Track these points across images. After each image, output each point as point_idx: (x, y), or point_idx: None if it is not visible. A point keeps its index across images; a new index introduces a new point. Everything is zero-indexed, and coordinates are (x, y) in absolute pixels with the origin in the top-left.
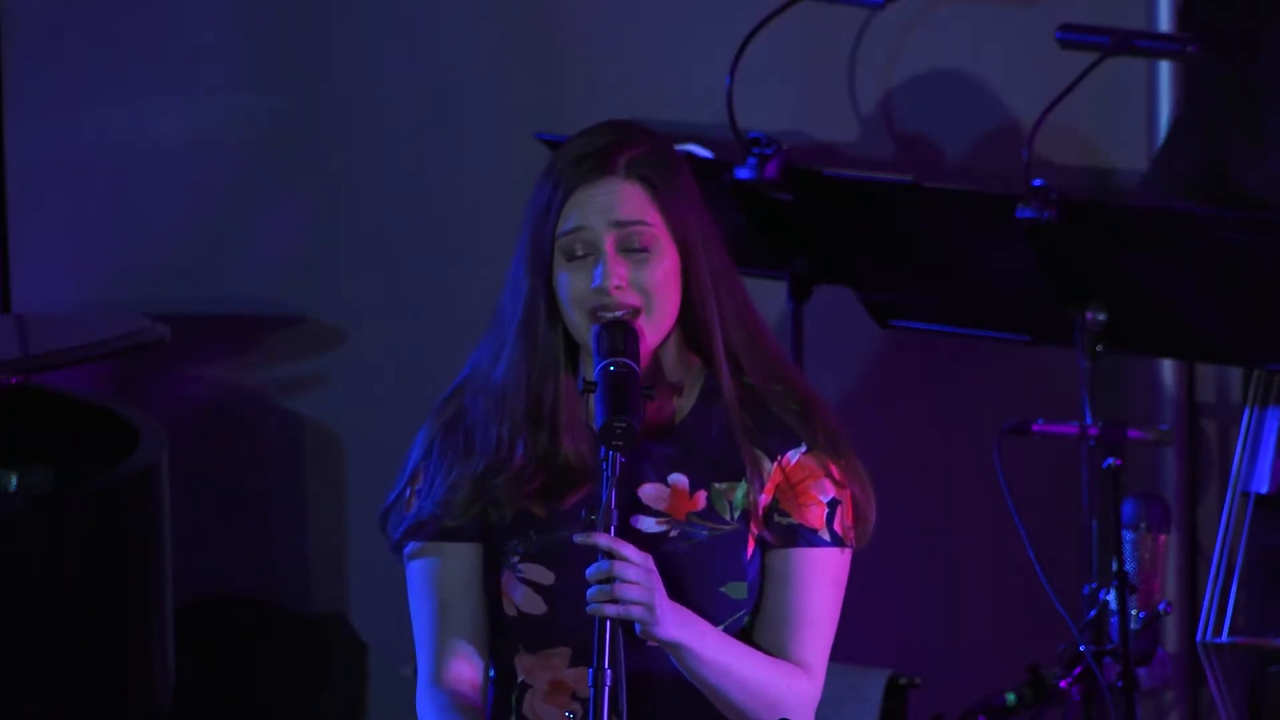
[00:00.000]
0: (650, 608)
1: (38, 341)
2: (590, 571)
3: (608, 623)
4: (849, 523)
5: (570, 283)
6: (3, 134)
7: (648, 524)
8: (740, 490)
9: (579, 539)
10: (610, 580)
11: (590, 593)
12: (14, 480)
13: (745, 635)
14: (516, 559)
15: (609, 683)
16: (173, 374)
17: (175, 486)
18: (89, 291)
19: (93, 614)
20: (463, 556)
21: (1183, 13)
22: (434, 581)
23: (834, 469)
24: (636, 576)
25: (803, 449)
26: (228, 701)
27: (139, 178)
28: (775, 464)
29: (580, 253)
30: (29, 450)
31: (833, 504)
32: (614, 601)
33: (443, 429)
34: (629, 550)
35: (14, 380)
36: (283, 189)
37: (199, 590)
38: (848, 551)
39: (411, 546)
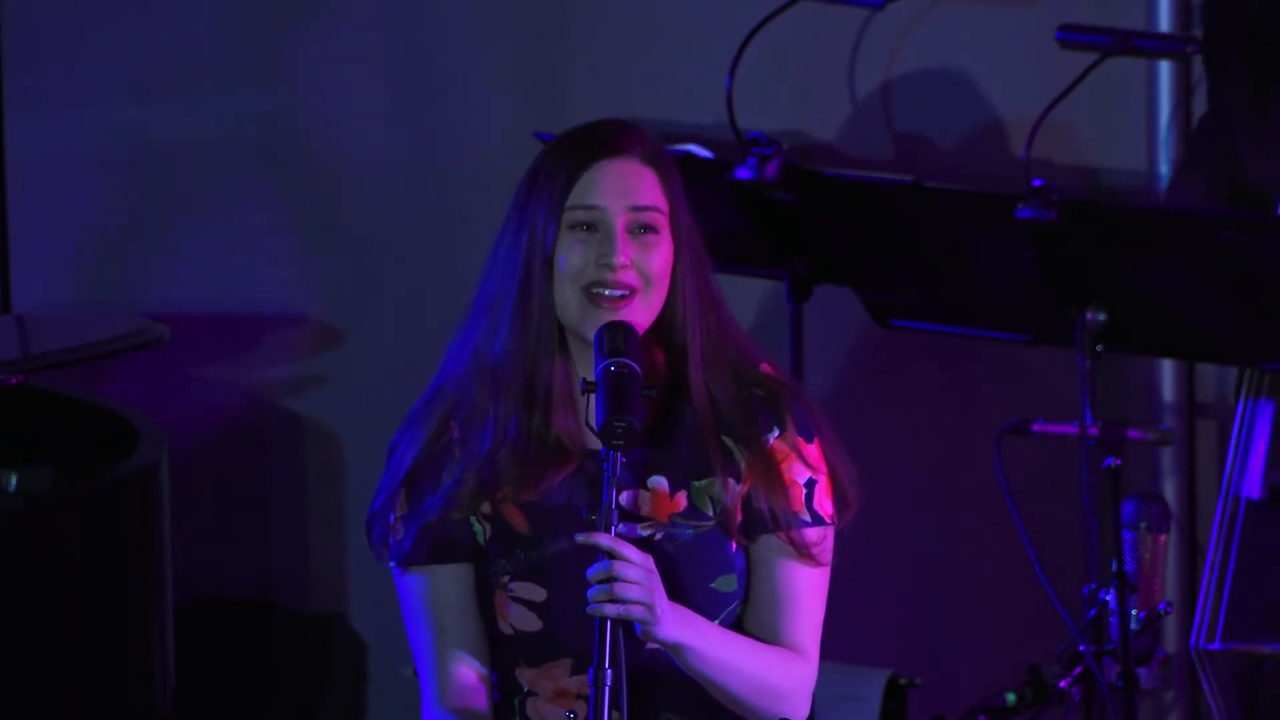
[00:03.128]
0: (650, 607)
1: (38, 341)
2: (591, 571)
3: (608, 622)
4: (828, 500)
5: (570, 256)
6: (3, 134)
7: (632, 529)
8: (717, 485)
9: (580, 539)
10: (611, 580)
11: (591, 592)
12: (14, 480)
13: (737, 624)
14: (506, 578)
15: (609, 682)
16: (173, 374)
17: (175, 486)
18: (89, 291)
19: (92, 614)
20: (454, 578)
21: (1192, 10)
22: (429, 603)
23: (806, 450)
24: (637, 576)
25: (774, 434)
26: (228, 701)
27: (139, 178)
28: (748, 453)
29: (586, 225)
30: (29, 450)
31: (809, 484)
32: (614, 601)
33: (429, 438)
34: (629, 550)
35: (14, 380)
36: (282, 189)
37: (199, 590)
38: (830, 529)
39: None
